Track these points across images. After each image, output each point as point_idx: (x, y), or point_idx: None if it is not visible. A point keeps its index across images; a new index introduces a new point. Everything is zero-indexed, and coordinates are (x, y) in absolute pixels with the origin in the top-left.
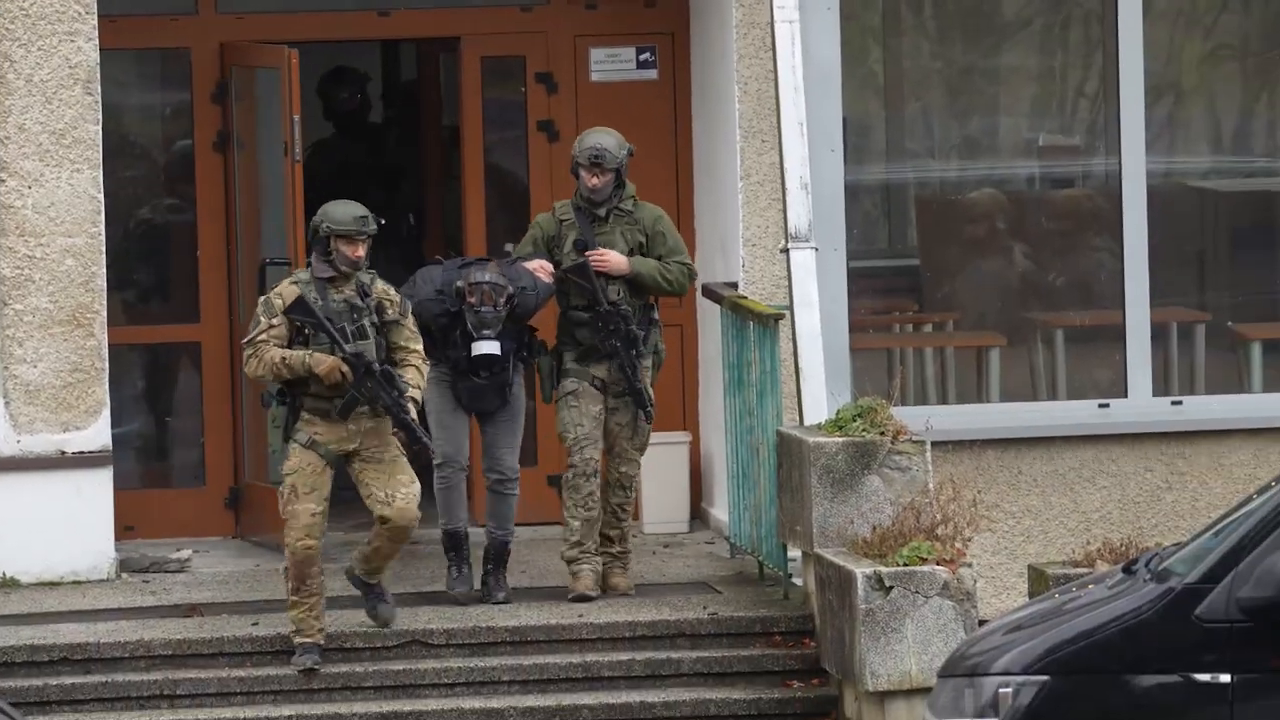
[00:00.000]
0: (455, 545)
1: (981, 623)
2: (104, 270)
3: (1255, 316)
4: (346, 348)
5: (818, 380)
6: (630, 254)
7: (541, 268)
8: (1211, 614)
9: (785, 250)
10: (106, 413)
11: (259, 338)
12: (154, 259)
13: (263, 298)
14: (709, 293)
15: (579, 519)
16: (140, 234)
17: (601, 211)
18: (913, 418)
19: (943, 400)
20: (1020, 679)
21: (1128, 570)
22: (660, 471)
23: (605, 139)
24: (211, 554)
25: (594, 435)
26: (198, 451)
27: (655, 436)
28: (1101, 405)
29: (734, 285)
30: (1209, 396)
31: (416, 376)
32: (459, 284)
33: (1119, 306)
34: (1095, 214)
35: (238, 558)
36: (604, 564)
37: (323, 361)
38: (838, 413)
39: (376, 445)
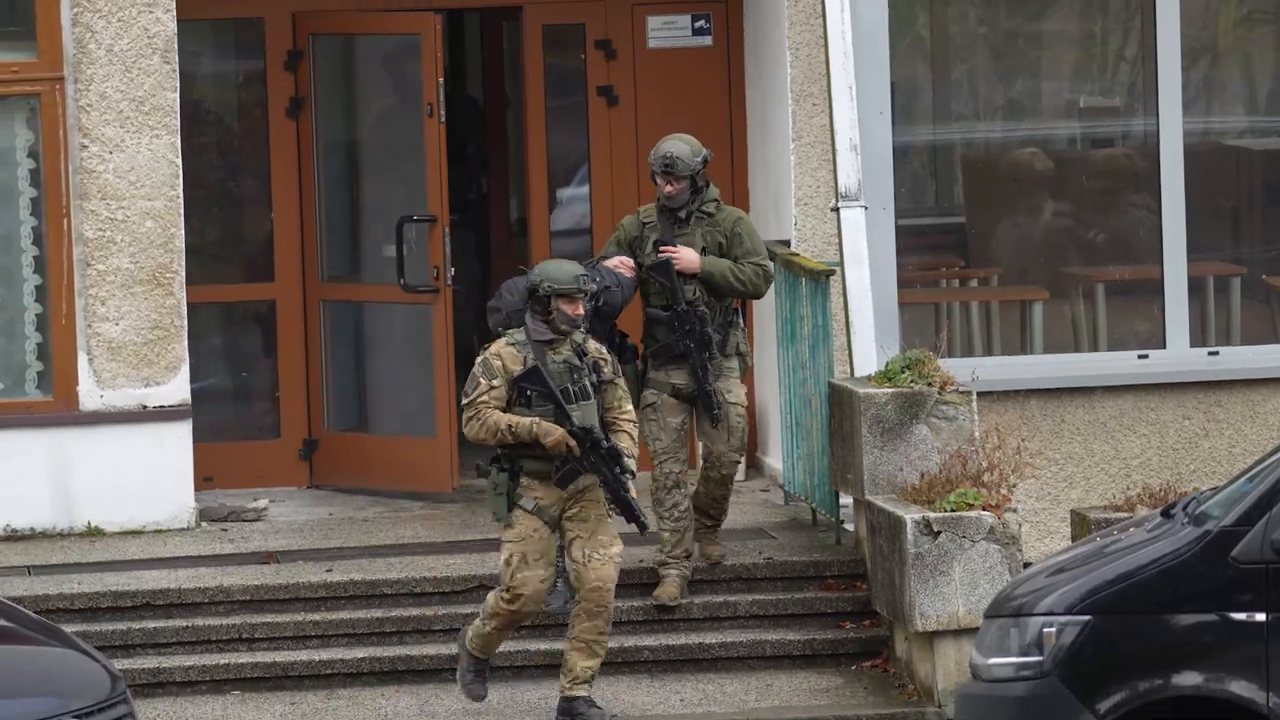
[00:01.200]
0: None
1: (1026, 565)
2: (182, 232)
3: None
4: (575, 420)
5: (867, 334)
6: (706, 254)
7: (623, 263)
8: (1247, 555)
9: (836, 209)
10: (185, 368)
11: (479, 399)
12: (230, 221)
13: (480, 358)
14: None
15: (668, 529)
16: (217, 197)
17: (682, 214)
18: (959, 369)
19: (988, 352)
20: (1063, 619)
21: (1166, 514)
22: None
23: (678, 146)
24: (286, 503)
25: (673, 448)
26: (273, 405)
27: None
28: (1141, 356)
29: (787, 243)
30: (1244, 347)
31: (630, 445)
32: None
33: (1157, 261)
34: (1134, 172)
35: (311, 507)
36: (700, 534)
37: (551, 433)
38: (887, 365)
39: (586, 503)
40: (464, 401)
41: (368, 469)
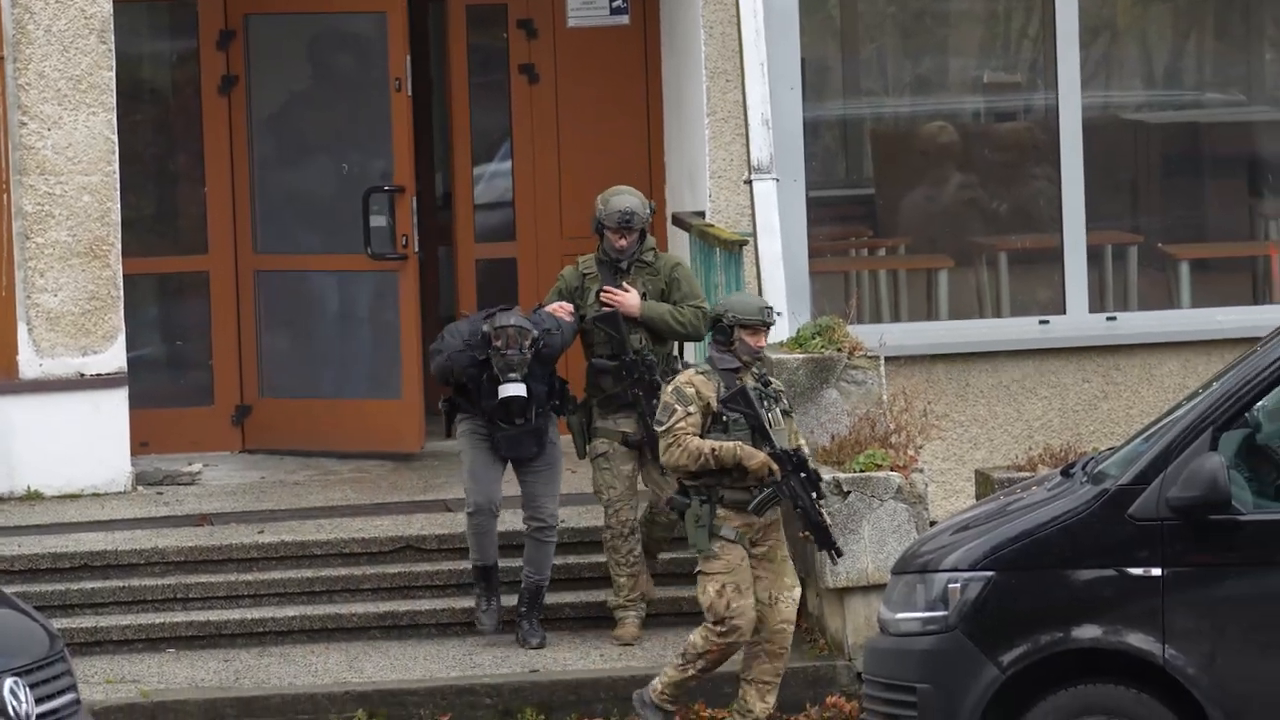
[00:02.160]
0: (486, 578)
1: (932, 524)
2: (118, 206)
3: (1183, 238)
4: (777, 444)
5: (779, 301)
6: (646, 300)
7: (562, 308)
8: (1143, 513)
9: (749, 181)
10: (122, 338)
11: (677, 426)
12: (165, 195)
13: (672, 386)
14: (678, 221)
15: (624, 575)
16: (153, 172)
17: (624, 264)
18: (868, 335)
19: (895, 318)
20: (967, 575)
21: (1066, 473)
22: None
23: (632, 201)
24: (220, 467)
25: (626, 496)
26: (206, 373)
27: None
28: (1042, 322)
29: (701, 214)
30: (1141, 313)
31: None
32: (485, 329)
33: (1057, 230)
34: (1035, 145)
35: (244, 470)
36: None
37: (754, 456)
38: (798, 331)
39: (772, 542)
40: (660, 429)
41: (308, 433)
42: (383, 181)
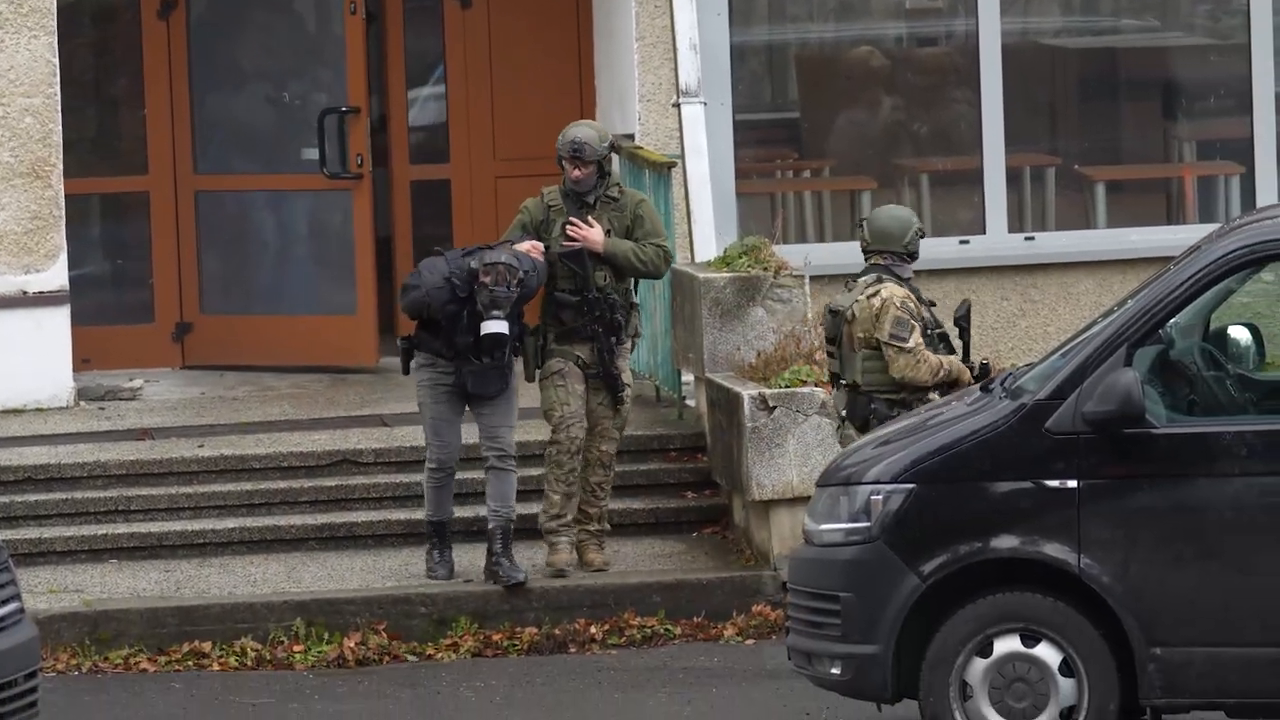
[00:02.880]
0: (440, 533)
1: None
2: (59, 127)
3: (1100, 160)
4: (974, 357)
5: (707, 222)
6: (611, 237)
7: (534, 248)
8: (1060, 426)
9: (677, 105)
10: (64, 256)
11: (918, 344)
12: (106, 118)
13: (899, 303)
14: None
15: (559, 493)
16: (94, 95)
17: (590, 199)
18: (793, 254)
19: (820, 238)
20: (889, 487)
21: (985, 389)
22: None
23: (585, 132)
24: (160, 383)
25: (579, 413)
26: (147, 291)
27: None
28: (962, 241)
29: (631, 137)
30: (1058, 232)
31: None
32: (473, 264)
33: (977, 153)
34: (956, 70)
35: (184, 386)
36: (581, 540)
37: (965, 372)
38: (725, 251)
39: None
40: (906, 346)
41: (253, 349)
42: (338, 103)
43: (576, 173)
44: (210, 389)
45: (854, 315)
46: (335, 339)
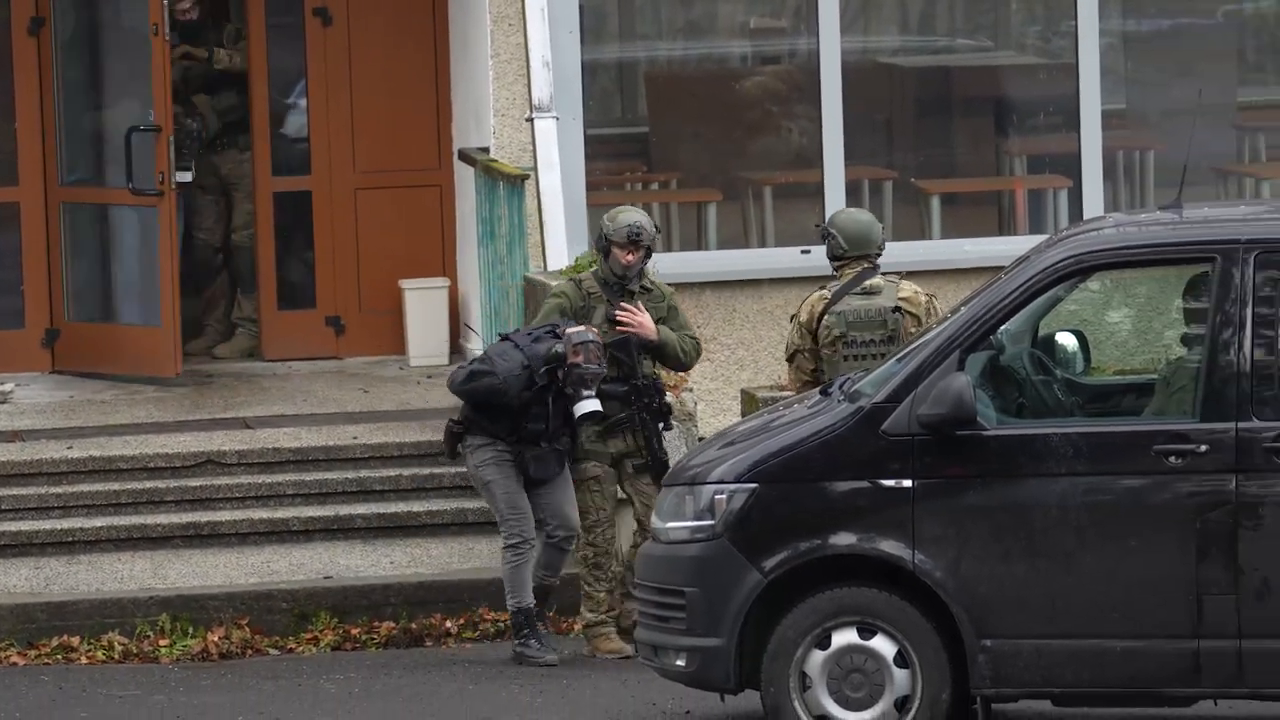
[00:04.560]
0: (529, 623)
1: (701, 439)
2: None
3: (935, 174)
4: None
5: (559, 232)
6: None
7: (592, 331)
8: (896, 428)
9: (530, 119)
10: None
11: None
12: None
13: (938, 305)
14: (464, 157)
15: (604, 591)
16: None
17: (631, 286)
18: None
19: (668, 248)
20: (733, 487)
21: (824, 392)
22: (424, 312)
23: (639, 216)
24: (31, 387)
25: (612, 516)
26: (18, 298)
27: (419, 281)
28: (804, 251)
29: (486, 150)
30: (895, 243)
31: None
32: (558, 348)
33: (818, 166)
34: (798, 87)
35: (54, 390)
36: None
37: None
38: (576, 260)
39: None
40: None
41: (108, 356)
42: (142, 122)
43: (630, 257)
44: (79, 392)
45: (907, 310)
46: (149, 348)
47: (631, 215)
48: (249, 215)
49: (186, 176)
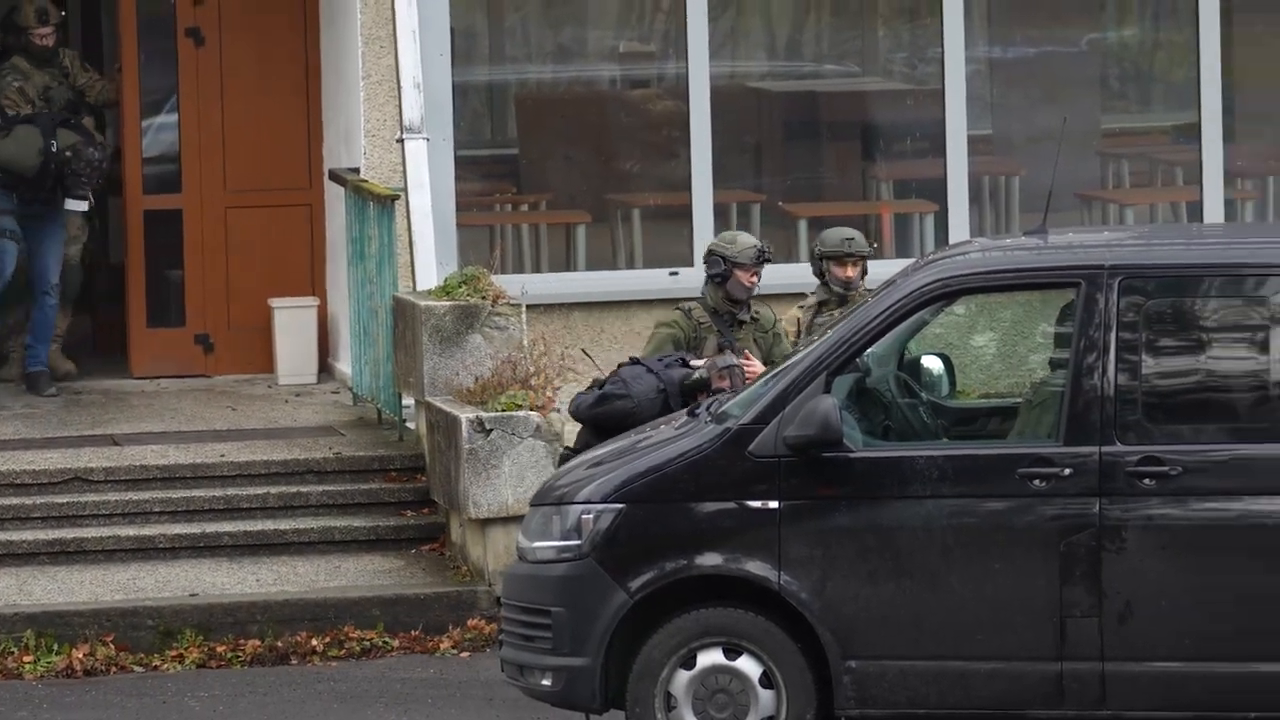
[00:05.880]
0: None
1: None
2: None
3: (802, 197)
4: None
5: (428, 252)
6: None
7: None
8: (762, 450)
9: (401, 140)
10: None
11: None
12: None
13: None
14: (335, 177)
15: None
16: None
17: (743, 316)
18: (511, 284)
19: (536, 269)
20: (600, 507)
21: (692, 413)
22: (293, 331)
23: (754, 239)
24: None
25: None
26: None
27: (288, 300)
28: (672, 273)
29: (356, 170)
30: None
31: None
32: (701, 374)
33: (687, 189)
34: (667, 110)
35: None
36: None
37: None
38: (445, 280)
39: None
40: None
41: None
42: None
43: (755, 278)
44: None
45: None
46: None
47: (748, 236)
48: (79, 229)
49: (82, 205)
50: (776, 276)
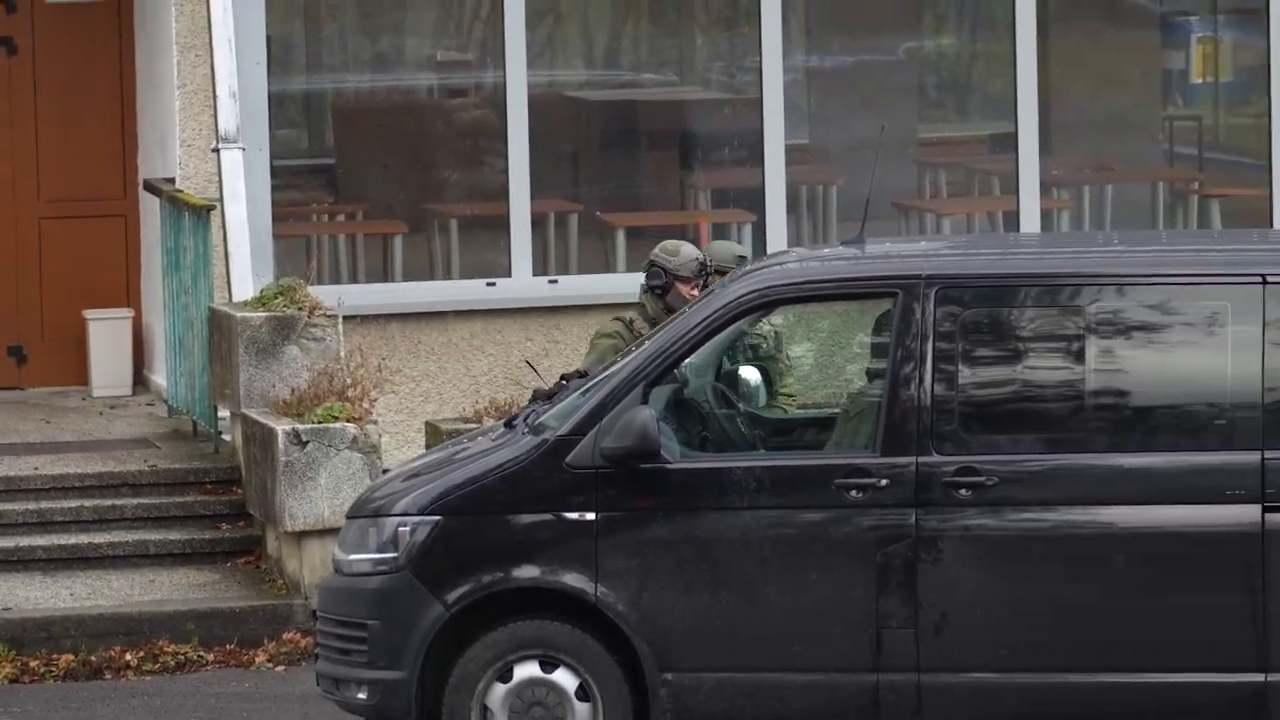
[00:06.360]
0: None
1: (385, 471)
2: None
3: (620, 207)
4: None
5: (244, 263)
6: None
7: None
8: (580, 461)
9: (216, 150)
10: None
11: None
12: None
13: None
14: (150, 187)
15: None
16: None
17: None
18: (328, 295)
19: (354, 280)
20: (416, 519)
21: (509, 425)
22: (107, 343)
23: (696, 249)
24: None
25: None
26: None
27: (103, 312)
28: (489, 284)
29: (172, 181)
30: (581, 276)
31: None
32: None
33: (505, 199)
34: (485, 120)
35: None
36: None
37: None
38: (261, 291)
39: None
40: None
41: None
42: None
43: (696, 290)
44: None
45: None
46: None
47: (691, 247)
48: None
49: None
50: (594, 287)
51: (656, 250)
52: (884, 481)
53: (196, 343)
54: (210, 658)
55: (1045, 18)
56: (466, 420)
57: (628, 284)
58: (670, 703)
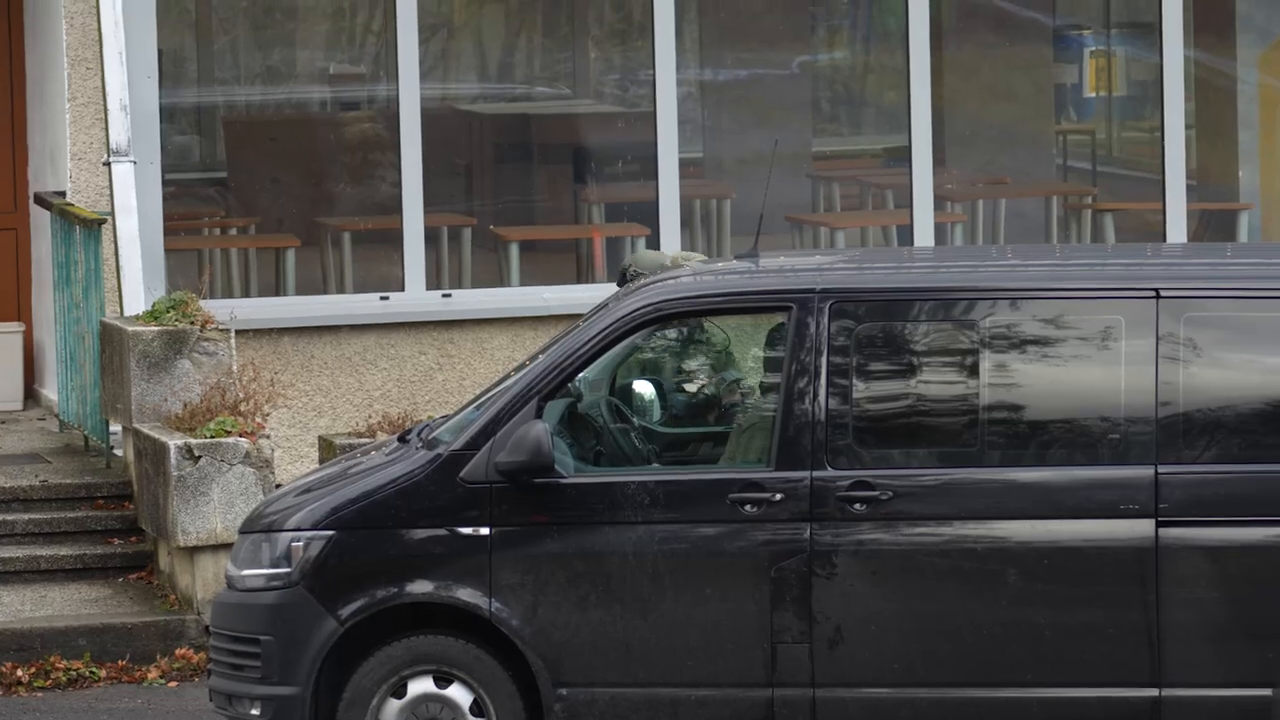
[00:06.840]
0: None
1: (278, 486)
2: None
3: (514, 220)
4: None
5: (136, 277)
6: None
7: None
8: (474, 476)
9: (107, 164)
10: None
11: None
12: None
13: None
14: (40, 201)
15: None
16: None
17: None
18: (220, 309)
19: (246, 294)
20: (310, 534)
21: (402, 439)
22: None
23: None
24: None
25: None
26: None
27: None
28: (383, 298)
29: (62, 194)
30: (474, 290)
31: None
32: None
33: (398, 212)
34: (378, 133)
35: None
36: None
37: None
38: (153, 305)
39: None
40: None
41: None
42: None
43: None
44: None
45: None
46: None
47: (660, 255)
48: None
49: None
50: (488, 300)
51: (630, 258)
52: (778, 496)
53: (88, 357)
54: (103, 674)
55: (939, 31)
56: (360, 435)
57: (522, 298)
58: (565, 718)
